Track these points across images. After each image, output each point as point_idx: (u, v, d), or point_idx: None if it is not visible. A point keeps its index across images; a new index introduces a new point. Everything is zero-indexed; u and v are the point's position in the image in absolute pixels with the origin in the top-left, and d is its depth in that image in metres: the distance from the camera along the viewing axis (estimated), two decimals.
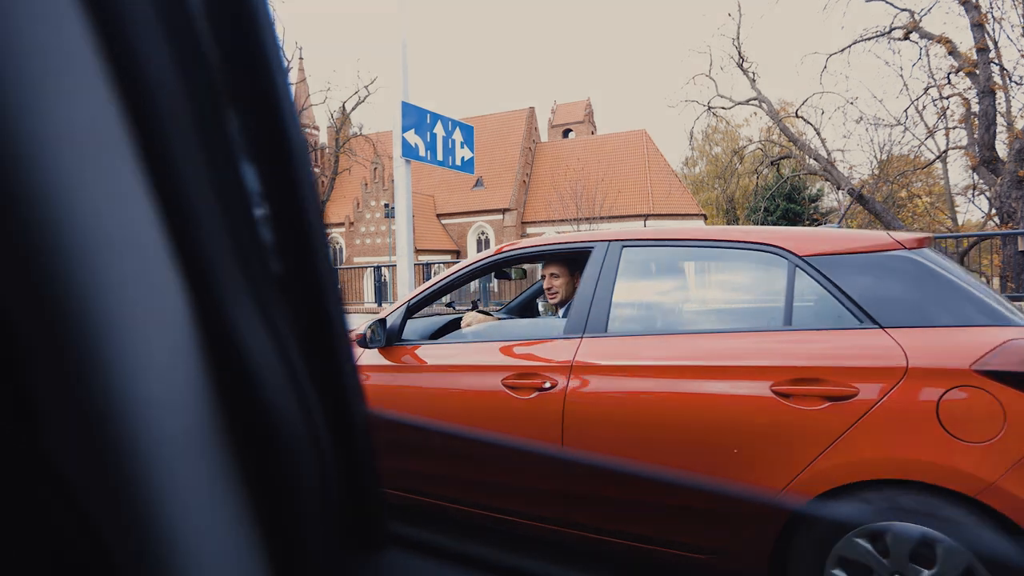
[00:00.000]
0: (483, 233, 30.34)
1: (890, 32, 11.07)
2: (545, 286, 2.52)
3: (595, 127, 36.20)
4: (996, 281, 10.11)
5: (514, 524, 1.84)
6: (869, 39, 11.36)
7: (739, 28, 11.53)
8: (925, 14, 10.70)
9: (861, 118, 12.43)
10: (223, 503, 0.26)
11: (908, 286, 1.57)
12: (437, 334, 2.57)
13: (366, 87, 21.22)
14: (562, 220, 26.25)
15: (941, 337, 1.47)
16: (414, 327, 2.53)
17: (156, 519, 0.24)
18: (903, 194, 15.85)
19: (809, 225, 22.43)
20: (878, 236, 1.67)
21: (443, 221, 31.33)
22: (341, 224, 30.38)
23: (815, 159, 11.15)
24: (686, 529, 1.62)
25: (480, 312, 2.72)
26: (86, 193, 0.22)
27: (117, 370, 0.22)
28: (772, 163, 12.88)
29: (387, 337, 2.18)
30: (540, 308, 3.08)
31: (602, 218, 24.57)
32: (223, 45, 0.28)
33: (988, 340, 1.41)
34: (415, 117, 5.64)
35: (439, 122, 5.94)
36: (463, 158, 6.33)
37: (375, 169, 28.49)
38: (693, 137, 15.10)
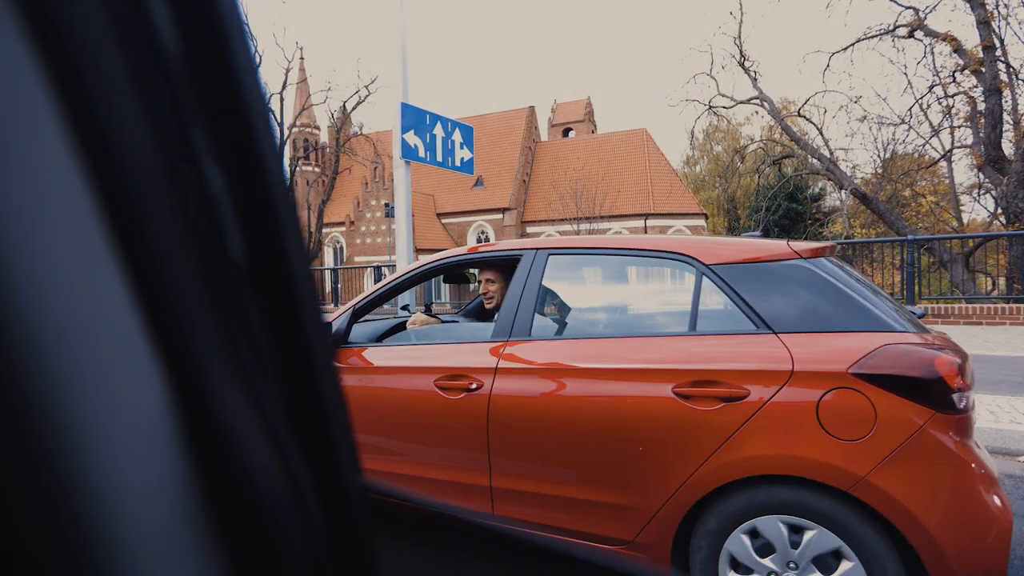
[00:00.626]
0: (483, 232, 30.25)
1: (894, 30, 10.95)
2: (482, 291, 2.64)
3: (595, 126, 36.08)
4: (1002, 282, 10.02)
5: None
6: (873, 37, 11.24)
7: (740, 26, 11.38)
8: (930, 11, 10.59)
9: (865, 117, 12.36)
10: None
11: (801, 294, 1.65)
12: (384, 336, 2.67)
13: (366, 87, 21.09)
14: (562, 220, 26.18)
15: (825, 342, 1.56)
16: (363, 330, 2.62)
17: None
18: (907, 193, 15.74)
19: (812, 225, 22.43)
20: (777, 246, 1.76)
21: (443, 220, 31.24)
22: (342, 223, 30.31)
23: (817, 158, 11.04)
24: (599, 522, 1.74)
25: (428, 315, 2.82)
26: (46, 269, 0.20)
27: (85, 458, 0.20)
28: (774, 162, 12.76)
29: (333, 340, 2.27)
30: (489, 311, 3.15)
31: (602, 217, 24.50)
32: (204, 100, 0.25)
33: (865, 345, 1.50)
34: (414, 118, 5.55)
35: (438, 123, 5.85)
36: (463, 159, 6.23)
37: (375, 169, 28.38)
38: (694, 136, 15.00)
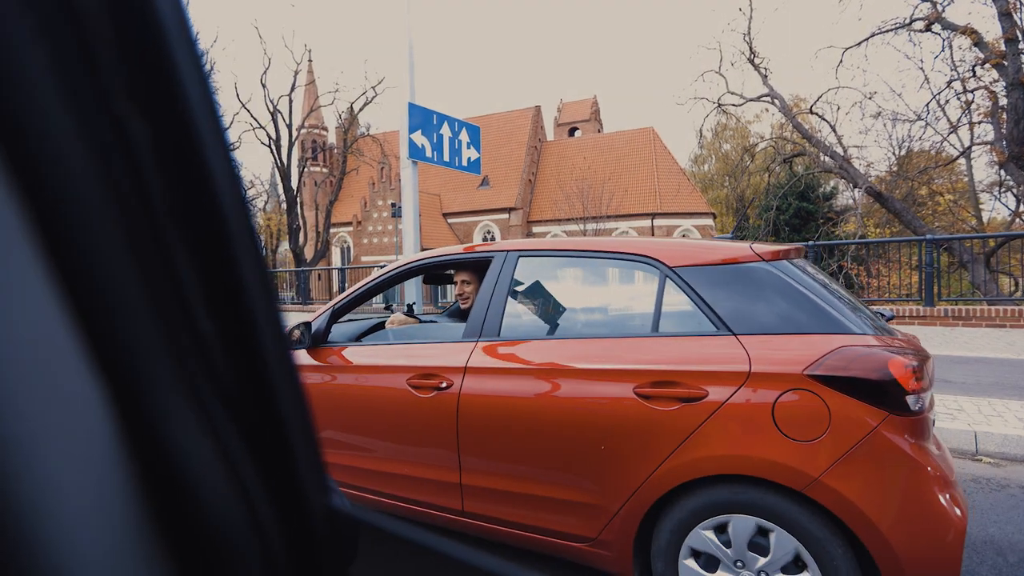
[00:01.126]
0: (489, 232, 30.12)
1: (911, 23, 10.67)
2: (457, 292, 2.69)
3: (601, 125, 35.84)
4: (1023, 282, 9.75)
5: (431, 515, 2.02)
6: (888, 31, 10.97)
7: (750, 23, 11.13)
8: (948, 4, 10.32)
9: (879, 113, 12.06)
10: None
11: (761, 296, 1.66)
12: (364, 335, 2.71)
13: (373, 88, 21.01)
14: (568, 219, 26.00)
15: (782, 344, 1.57)
16: (344, 329, 2.66)
17: None
18: (923, 191, 15.41)
19: (823, 224, 22.10)
20: (739, 249, 1.76)
21: (449, 220, 31.14)
22: (349, 223, 30.29)
23: (830, 156, 10.78)
24: (563, 520, 1.77)
25: (407, 315, 2.89)
26: None
27: (28, 490, 0.19)
28: (784, 160, 12.50)
29: (312, 339, 2.31)
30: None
31: (609, 217, 24.28)
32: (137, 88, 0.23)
33: (821, 347, 1.51)
34: (421, 118, 5.42)
35: (445, 123, 5.72)
36: (469, 158, 6.10)
37: (382, 169, 28.33)
38: (702, 135, 14.71)
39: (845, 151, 10.99)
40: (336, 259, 31.65)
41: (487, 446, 1.87)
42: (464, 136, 6.00)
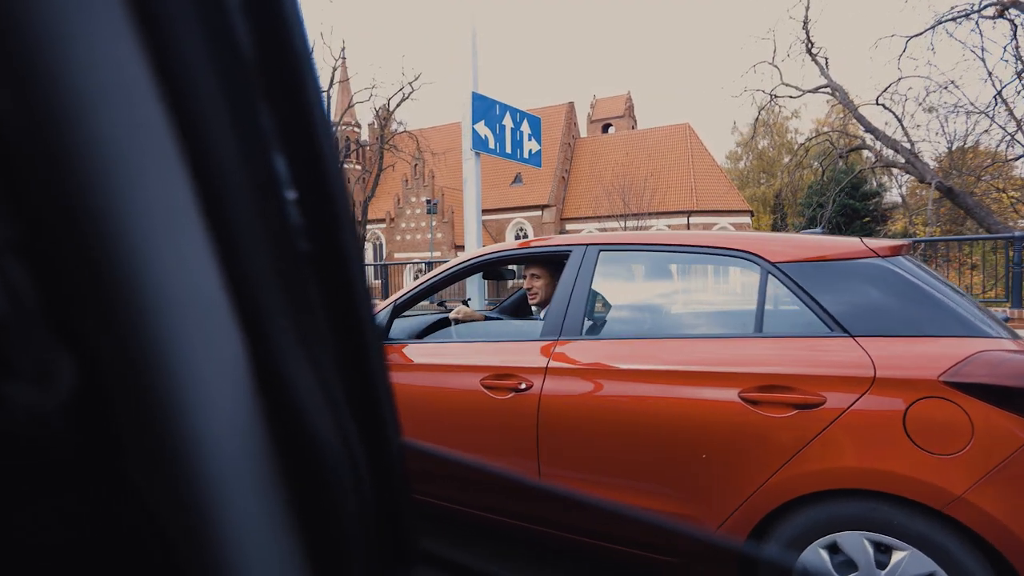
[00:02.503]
0: (521, 229, 30.04)
1: (982, 9, 10.10)
2: (526, 286, 2.58)
3: (635, 121, 35.34)
4: None
5: (512, 526, 1.91)
6: (955, 19, 10.42)
7: (807, 11, 10.72)
8: None
9: (931, 109, 11.43)
10: (275, 525, 0.30)
11: (879, 295, 1.54)
12: (424, 332, 2.62)
13: (410, 83, 21.12)
14: (602, 217, 25.71)
15: (910, 347, 1.45)
16: (403, 326, 2.60)
17: (218, 539, 0.27)
18: (979, 188, 14.64)
19: (868, 222, 21.31)
20: (851, 244, 1.66)
21: (482, 218, 31.15)
22: (382, 220, 30.61)
23: (896, 150, 10.27)
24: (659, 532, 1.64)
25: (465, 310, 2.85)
26: (159, 257, 0.25)
27: (182, 409, 0.26)
28: (841, 155, 12.00)
29: None
30: (533, 308, 2.97)
31: (645, 214, 23.91)
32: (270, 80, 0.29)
33: (957, 351, 1.39)
34: (485, 108, 5.36)
35: (508, 113, 5.64)
36: (531, 151, 6.02)
37: (415, 166, 28.54)
38: (756, 126, 14.10)
39: (912, 145, 10.47)
40: (368, 256, 32.04)
41: (571, 451, 1.77)
42: (526, 127, 5.93)
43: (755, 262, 1.70)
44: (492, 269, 2.91)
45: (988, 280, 9.92)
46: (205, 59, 0.26)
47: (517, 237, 29.96)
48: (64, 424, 0.25)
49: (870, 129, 10.67)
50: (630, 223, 23.52)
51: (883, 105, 10.26)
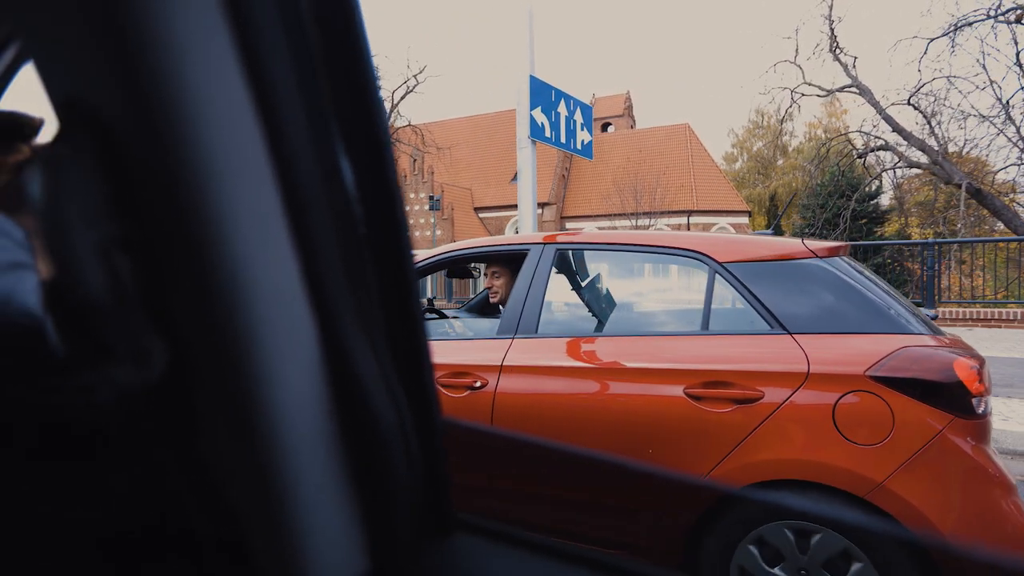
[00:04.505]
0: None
1: (1002, 14, 10.19)
2: (486, 285, 2.61)
3: (634, 121, 35.40)
4: None
5: None
6: (973, 23, 10.50)
7: (831, 8, 10.71)
8: None
9: (934, 114, 11.52)
10: (337, 489, 0.33)
11: (817, 294, 1.61)
12: None
13: (415, 76, 20.73)
14: (602, 215, 25.66)
15: (842, 344, 1.53)
16: None
17: (288, 501, 0.30)
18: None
19: (865, 223, 21.55)
20: (792, 245, 1.73)
21: (480, 215, 30.96)
22: None
23: (923, 151, 10.30)
24: (605, 525, 1.66)
25: (430, 309, 2.84)
26: (251, 254, 0.28)
27: (264, 384, 0.29)
28: (859, 156, 12.06)
29: None
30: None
31: (644, 214, 23.94)
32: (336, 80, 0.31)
33: (883, 347, 1.47)
34: (542, 93, 5.20)
35: (563, 100, 5.50)
36: (583, 141, 5.88)
37: (415, 161, 28.21)
38: (782, 127, 13.97)
39: (941, 145, 10.54)
40: None
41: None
42: (579, 116, 5.79)
43: (704, 262, 1.74)
44: (456, 267, 2.91)
45: (999, 282, 10.05)
46: (289, 68, 0.28)
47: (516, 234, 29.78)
48: (153, 402, 0.28)
49: (898, 129, 10.71)
50: (627, 223, 23.52)
51: (914, 106, 10.30)
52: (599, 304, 2.12)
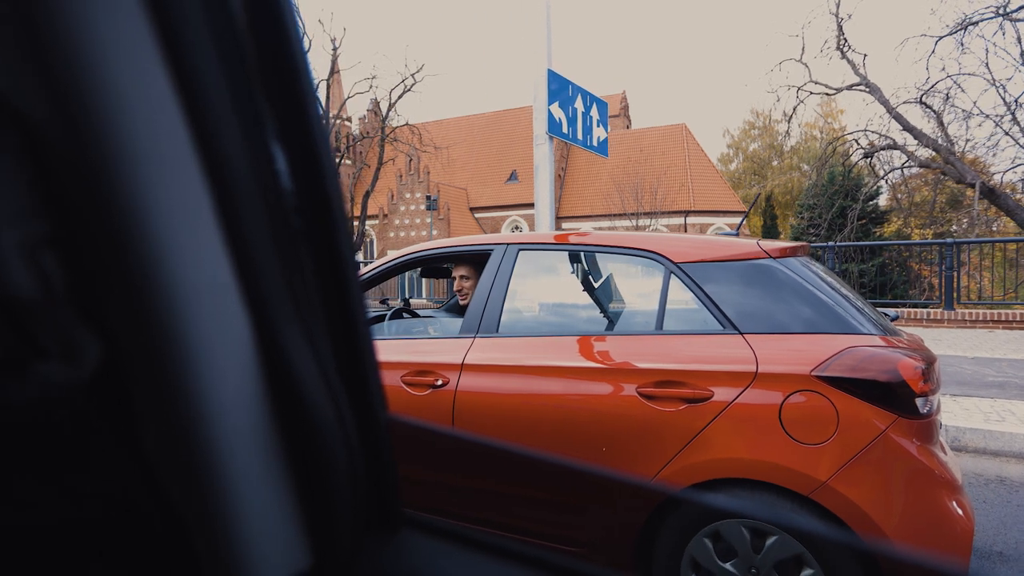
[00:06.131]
0: (517, 227, 29.65)
1: (1007, 15, 10.09)
2: (456, 288, 2.62)
3: (630, 121, 35.29)
4: None
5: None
6: (975, 23, 10.39)
7: (839, 5, 10.52)
8: None
9: (939, 114, 11.41)
10: (276, 486, 0.32)
11: (768, 295, 1.61)
12: None
13: (412, 75, 20.33)
14: (598, 215, 25.49)
15: (790, 344, 1.53)
16: None
17: (226, 499, 0.30)
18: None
19: (866, 223, 21.53)
20: (746, 245, 1.72)
21: (476, 215, 30.68)
22: (374, 216, 29.85)
23: (935, 150, 10.17)
24: (558, 522, 1.67)
25: (403, 310, 2.86)
26: (177, 246, 0.27)
27: (197, 380, 0.29)
28: (866, 155, 11.94)
29: None
30: None
31: (641, 214, 23.79)
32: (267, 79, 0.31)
33: (829, 347, 1.47)
34: (559, 88, 4.94)
35: (579, 95, 5.24)
36: (599, 138, 5.62)
37: (410, 161, 27.86)
38: (789, 125, 13.70)
39: (952, 144, 10.41)
40: (359, 255, 31.20)
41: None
42: (595, 112, 5.53)
43: (660, 262, 1.76)
44: (427, 267, 2.92)
45: (1008, 283, 9.96)
46: (215, 63, 0.28)
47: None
48: (86, 399, 0.28)
49: (908, 128, 10.58)
50: (624, 223, 23.37)
51: (926, 104, 10.18)
52: (558, 304, 2.15)
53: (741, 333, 1.57)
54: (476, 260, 2.49)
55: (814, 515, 1.41)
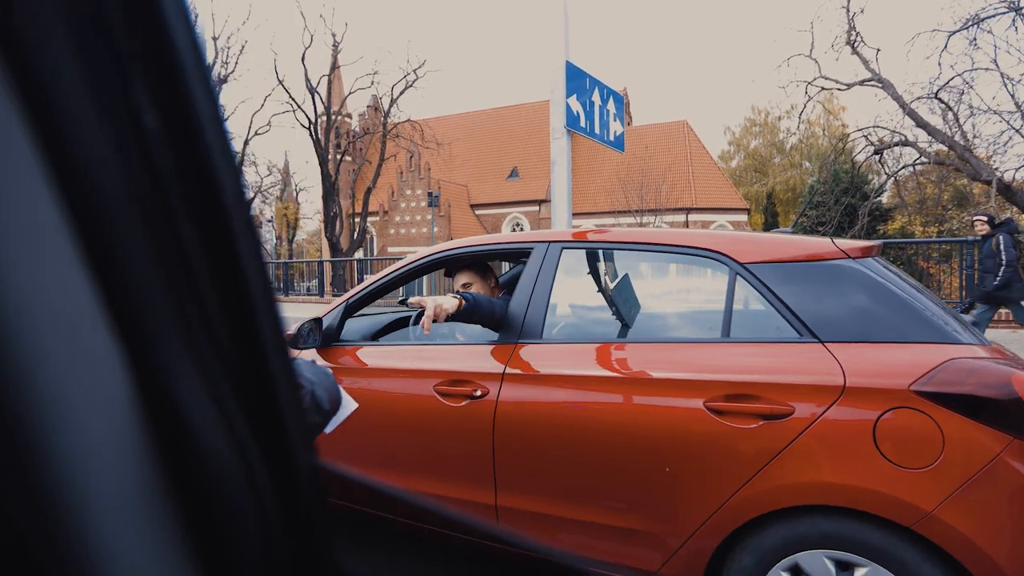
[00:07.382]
0: (518, 224, 29.49)
1: (1019, 10, 9.93)
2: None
3: (631, 117, 35.12)
4: None
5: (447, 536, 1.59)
6: (981, 21, 10.24)
7: (849, 1, 10.37)
8: None
9: (949, 110, 11.27)
10: (163, 563, 0.27)
11: (850, 298, 1.48)
12: (381, 333, 2.51)
13: (415, 71, 20.17)
14: (600, 212, 25.35)
15: (881, 354, 1.39)
16: (358, 326, 2.48)
17: (91, 559, 0.24)
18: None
19: (871, 221, 21.44)
20: (822, 244, 1.60)
21: (477, 212, 30.49)
22: (374, 213, 29.64)
23: (950, 146, 10.04)
24: (617, 550, 1.57)
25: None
26: (19, 265, 0.22)
27: (50, 435, 0.23)
28: (876, 151, 11.78)
29: (324, 337, 2.07)
30: None
31: (643, 211, 23.66)
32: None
33: (929, 359, 1.34)
34: (577, 80, 4.78)
35: (596, 89, 5.08)
36: (615, 133, 5.46)
37: (411, 157, 27.64)
38: (800, 122, 13.45)
39: (967, 140, 10.26)
40: (359, 251, 31.02)
41: (529, 463, 1.67)
42: (611, 106, 5.37)
43: (724, 262, 1.62)
44: (454, 267, 2.81)
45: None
46: (62, 38, 0.24)
47: (513, 232, 29.40)
48: None
49: (922, 124, 10.42)
50: (632, 219, 23.24)
51: (940, 100, 10.03)
52: (610, 307, 1.98)
53: (822, 341, 1.43)
54: (479, 266, 2.34)
55: (917, 548, 1.26)
